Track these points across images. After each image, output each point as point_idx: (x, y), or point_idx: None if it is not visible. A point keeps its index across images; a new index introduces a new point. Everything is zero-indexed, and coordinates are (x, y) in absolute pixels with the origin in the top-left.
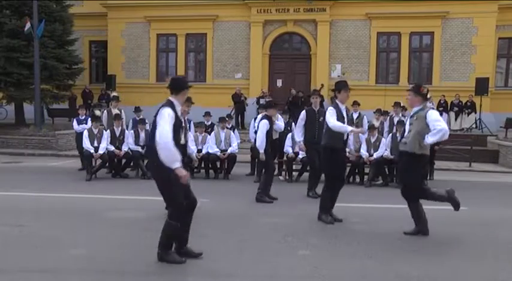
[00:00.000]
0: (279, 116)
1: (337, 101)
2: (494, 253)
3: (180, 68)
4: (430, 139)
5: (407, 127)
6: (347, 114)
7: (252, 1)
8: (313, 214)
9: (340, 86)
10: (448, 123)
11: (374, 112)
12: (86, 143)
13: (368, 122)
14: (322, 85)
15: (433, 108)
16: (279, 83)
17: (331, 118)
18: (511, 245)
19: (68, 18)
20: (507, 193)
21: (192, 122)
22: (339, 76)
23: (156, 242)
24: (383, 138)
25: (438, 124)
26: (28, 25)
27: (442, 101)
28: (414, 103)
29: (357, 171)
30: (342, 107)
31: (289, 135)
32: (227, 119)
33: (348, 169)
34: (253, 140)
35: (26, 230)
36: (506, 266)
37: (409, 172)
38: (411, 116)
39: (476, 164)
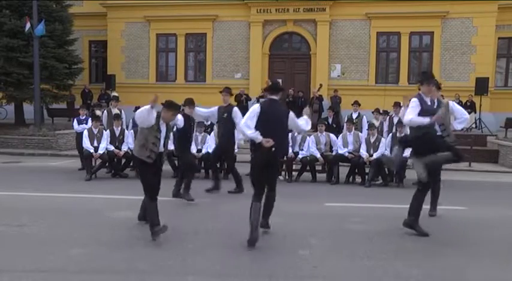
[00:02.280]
0: None
1: (420, 93)
2: (494, 253)
3: (180, 68)
4: (459, 126)
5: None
6: (434, 106)
7: (251, 1)
8: (313, 214)
9: (422, 79)
10: None
11: (372, 112)
12: (86, 143)
13: (368, 121)
14: (321, 85)
15: None
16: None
17: (408, 114)
18: (511, 245)
19: (67, 18)
20: (507, 193)
21: None
22: (338, 76)
23: (154, 242)
24: (383, 138)
25: (465, 112)
26: (28, 25)
27: None
28: (436, 96)
29: (356, 171)
30: (427, 99)
31: (289, 135)
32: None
33: (347, 169)
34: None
35: (26, 230)
36: (506, 266)
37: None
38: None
39: (476, 164)
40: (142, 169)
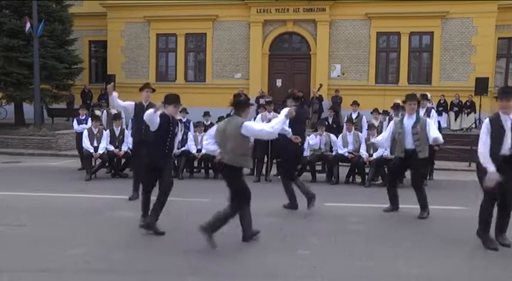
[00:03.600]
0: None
1: (499, 111)
2: (495, 252)
3: (180, 68)
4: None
5: (410, 135)
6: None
7: (251, 1)
8: (313, 214)
9: (498, 94)
10: (448, 123)
11: (371, 112)
12: (86, 143)
13: (367, 122)
14: (321, 85)
15: (433, 108)
16: (279, 83)
17: (481, 146)
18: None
19: (67, 18)
20: None
21: (191, 122)
22: (338, 76)
23: (154, 242)
24: None
25: (435, 133)
26: (28, 25)
27: (442, 101)
28: (415, 111)
29: (356, 171)
30: (504, 118)
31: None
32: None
33: (347, 169)
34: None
35: (26, 230)
36: (507, 266)
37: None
38: (414, 126)
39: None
40: (238, 176)
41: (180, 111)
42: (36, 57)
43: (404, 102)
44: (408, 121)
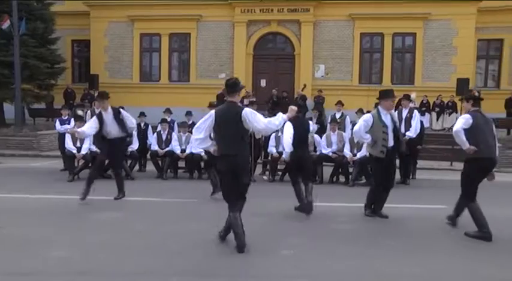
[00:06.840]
0: None
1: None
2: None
3: (164, 68)
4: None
5: (392, 132)
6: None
7: (236, 1)
8: (297, 214)
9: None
10: (430, 123)
11: (356, 112)
12: (69, 144)
13: (351, 121)
14: (305, 85)
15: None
16: (263, 83)
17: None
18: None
19: (49, 16)
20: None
21: (175, 123)
22: (322, 76)
23: (138, 243)
24: None
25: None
26: (8, 23)
27: (424, 101)
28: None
29: (340, 171)
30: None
31: (273, 135)
32: None
33: (331, 169)
34: None
35: (7, 232)
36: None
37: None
38: (394, 122)
39: (457, 163)
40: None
41: (164, 112)
42: (16, 56)
43: (381, 98)
44: (386, 118)
